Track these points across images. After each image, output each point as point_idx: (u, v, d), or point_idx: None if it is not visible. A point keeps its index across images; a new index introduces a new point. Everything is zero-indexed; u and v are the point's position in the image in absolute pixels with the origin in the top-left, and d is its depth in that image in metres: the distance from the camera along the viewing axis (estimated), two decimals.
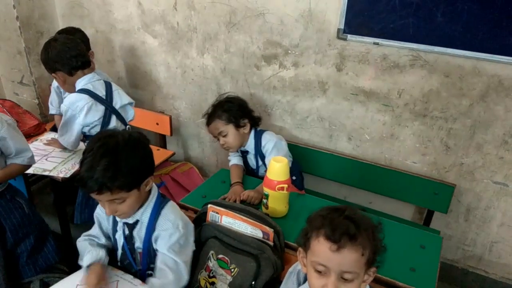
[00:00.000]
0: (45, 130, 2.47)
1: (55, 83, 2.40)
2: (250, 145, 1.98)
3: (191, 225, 1.42)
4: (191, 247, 1.39)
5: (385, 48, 1.90)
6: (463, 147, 1.92)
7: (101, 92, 1.94)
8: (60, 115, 2.45)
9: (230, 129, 1.93)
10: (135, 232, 1.36)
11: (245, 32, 2.22)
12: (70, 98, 1.89)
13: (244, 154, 2.04)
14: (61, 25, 2.83)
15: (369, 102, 2.04)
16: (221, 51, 2.35)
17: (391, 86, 1.96)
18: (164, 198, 1.39)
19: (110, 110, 1.96)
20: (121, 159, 1.18)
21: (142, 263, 1.40)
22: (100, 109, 1.92)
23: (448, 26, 1.72)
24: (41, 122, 2.52)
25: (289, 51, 2.14)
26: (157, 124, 2.63)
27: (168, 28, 2.47)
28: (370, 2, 1.82)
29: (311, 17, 2.00)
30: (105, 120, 1.95)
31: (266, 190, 1.62)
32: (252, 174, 2.06)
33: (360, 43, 1.94)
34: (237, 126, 1.93)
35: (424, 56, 1.83)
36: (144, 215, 1.33)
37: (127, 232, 1.37)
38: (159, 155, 2.58)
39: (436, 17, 1.72)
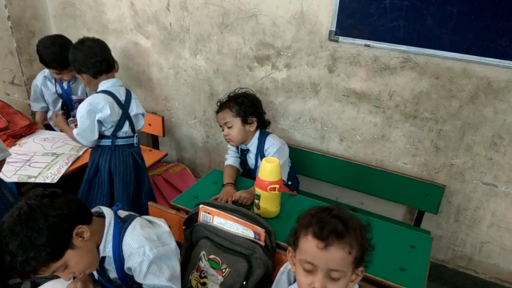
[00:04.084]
0: (36, 130, 2.46)
1: (37, 80, 2.47)
2: (253, 144, 1.98)
3: (165, 234, 1.32)
4: (173, 257, 1.30)
5: (376, 50, 1.91)
6: (453, 148, 1.94)
7: (121, 97, 2.01)
8: (43, 111, 2.56)
9: (236, 122, 1.92)
10: (106, 265, 1.30)
11: (237, 34, 2.23)
12: (93, 97, 1.94)
13: (244, 152, 2.04)
14: (53, 25, 2.82)
15: (361, 104, 2.06)
16: (214, 52, 2.35)
17: (382, 88, 1.98)
18: (124, 222, 1.29)
19: (125, 115, 2.02)
20: (25, 241, 1.07)
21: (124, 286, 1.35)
22: (118, 112, 1.99)
23: (438, 28, 1.74)
24: (32, 122, 2.50)
25: (282, 53, 2.15)
26: (150, 125, 2.63)
27: (160, 29, 2.47)
28: (361, 5, 1.84)
29: (303, 19, 2.01)
30: (120, 124, 2.01)
31: (258, 191, 1.62)
32: (249, 175, 2.05)
33: (351, 45, 1.95)
34: (244, 121, 1.92)
35: (415, 58, 1.85)
36: (106, 249, 1.25)
37: (97, 267, 1.30)
38: (151, 156, 2.59)
39: (426, 20, 1.74)
